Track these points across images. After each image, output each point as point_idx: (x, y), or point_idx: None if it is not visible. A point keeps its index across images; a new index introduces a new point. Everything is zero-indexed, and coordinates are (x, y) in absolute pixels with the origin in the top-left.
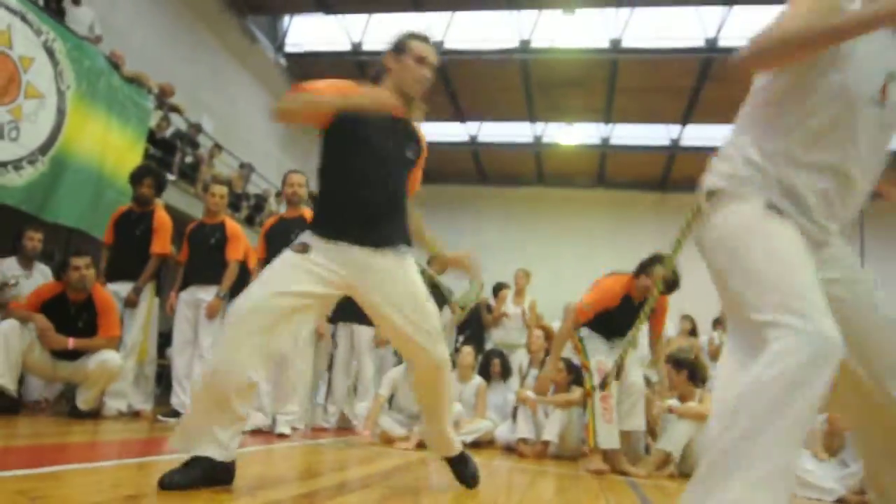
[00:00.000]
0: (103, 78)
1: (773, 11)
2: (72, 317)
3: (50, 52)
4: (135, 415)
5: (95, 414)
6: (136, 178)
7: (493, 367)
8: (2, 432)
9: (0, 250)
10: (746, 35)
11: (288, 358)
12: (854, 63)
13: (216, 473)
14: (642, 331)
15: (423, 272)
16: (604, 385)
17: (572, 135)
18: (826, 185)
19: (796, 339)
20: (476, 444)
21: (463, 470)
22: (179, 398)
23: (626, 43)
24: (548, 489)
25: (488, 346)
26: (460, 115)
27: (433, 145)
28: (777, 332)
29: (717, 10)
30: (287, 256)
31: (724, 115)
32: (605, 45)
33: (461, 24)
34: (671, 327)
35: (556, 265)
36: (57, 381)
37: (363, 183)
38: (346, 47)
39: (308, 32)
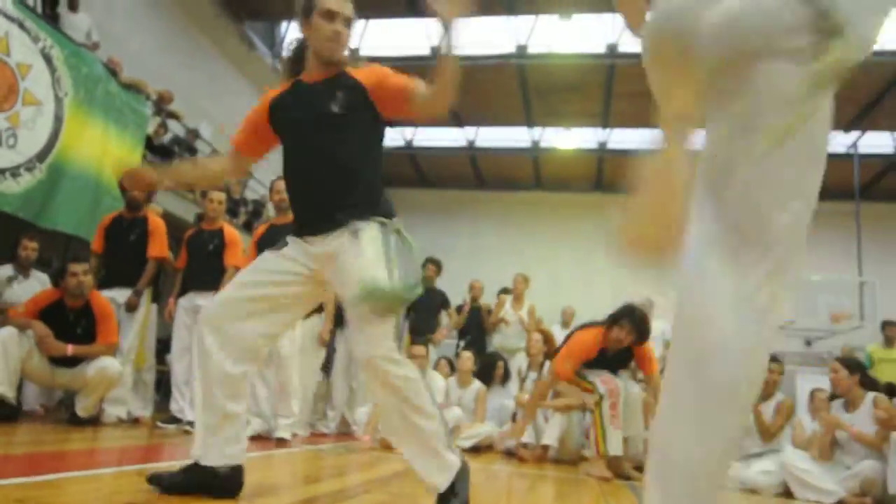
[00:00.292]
0: (101, 84)
1: None
2: (70, 323)
3: (48, 59)
4: (134, 421)
5: (95, 421)
6: None
7: (498, 369)
8: (1, 440)
9: None
10: None
11: (286, 361)
12: None
13: (214, 480)
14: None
15: (400, 235)
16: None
17: (570, 139)
18: None
19: None
20: (475, 449)
21: None
22: (179, 404)
23: (623, 48)
24: (548, 493)
25: (489, 350)
26: (458, 120)
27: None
28: None
29: None
30: (262, 255)
31: None
32: (602, 50)
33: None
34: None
35: (555, 269)
36: (56, 387)
37: (296, 172)
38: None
39: None
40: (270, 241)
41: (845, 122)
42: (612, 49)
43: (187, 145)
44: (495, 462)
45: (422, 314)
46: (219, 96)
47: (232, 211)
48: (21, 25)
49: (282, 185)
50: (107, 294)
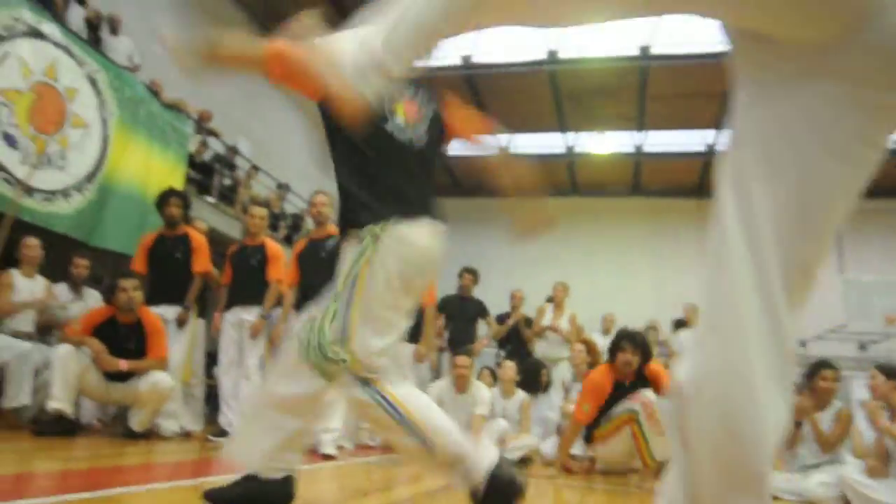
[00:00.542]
0: (144, 105)
1: None
2: (122, 339)
3: (93, 83)
4: (186, 435)
5: (148, 435)
6: (162, 200)
7: (542, 376)
8: (61, 455)
9: (52, 276)
10: None
11: None
12: None
13: (264, 491)
14: None
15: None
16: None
17: (605, 144)
18: None
19: None
20: (522, 461)
21: None
22: (227, 417)
23: (656, 49)
24: None
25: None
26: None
27: (465, 160)
28: None
29: None
30: None
31: None
32: (635, 52)
33: (488, 38)
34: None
35: (594, 276)
36: (110, 402)
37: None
38: None
39: None
40: (310, 256)
41: None
42: (644, 51)
43: (227, 162)
44: (543, 473)
45: (459, 324)
46: (255, 112)
47: (272, 225)
48: (68, 51)
49: (321, 198)
50: (154, 311)
